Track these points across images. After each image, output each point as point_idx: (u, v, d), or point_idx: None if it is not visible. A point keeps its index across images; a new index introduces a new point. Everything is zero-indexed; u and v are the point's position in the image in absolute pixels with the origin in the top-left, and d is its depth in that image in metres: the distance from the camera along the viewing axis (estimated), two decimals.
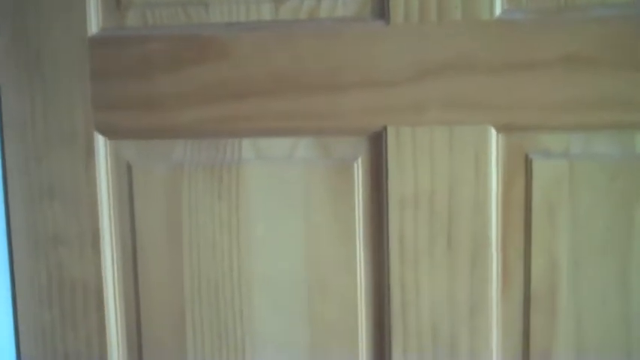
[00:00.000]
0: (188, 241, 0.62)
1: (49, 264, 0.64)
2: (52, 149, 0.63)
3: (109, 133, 0.62)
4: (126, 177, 0.63)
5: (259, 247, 0.61)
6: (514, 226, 0.57)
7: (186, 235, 0.62)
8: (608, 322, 0.56)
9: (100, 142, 0.63)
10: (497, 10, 0.55)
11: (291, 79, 0.58)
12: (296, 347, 0.61)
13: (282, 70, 0.59)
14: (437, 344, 0.58)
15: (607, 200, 0.55)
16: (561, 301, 0.57)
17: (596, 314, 0.56)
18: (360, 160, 0.59)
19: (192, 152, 0.62)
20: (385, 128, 0.58)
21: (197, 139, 0.61)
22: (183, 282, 0.63)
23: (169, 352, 0.64)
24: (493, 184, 0.57)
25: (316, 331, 0.61)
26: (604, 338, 0.56)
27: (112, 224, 0.64)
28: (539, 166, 0.56)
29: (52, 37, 0.62)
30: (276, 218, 0.61)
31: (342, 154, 0.59)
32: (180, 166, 0.62)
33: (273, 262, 0.61)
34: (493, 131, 0.56)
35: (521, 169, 0.57)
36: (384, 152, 0.58)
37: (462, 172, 0.57)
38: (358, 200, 0.59)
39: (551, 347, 0.57)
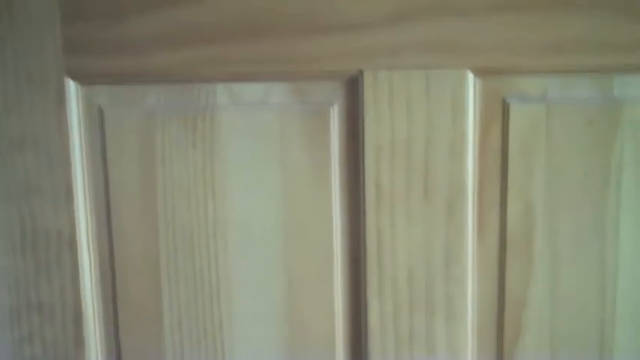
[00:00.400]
0: (162, 188, 0.61)
1: (21, 214, 0.63)
2: (22, 97, 0.61)
3: (80, 78, 0.61)
4: (98, 124, 0.62)
5: (234, 193, 0.60)
6: (490, 172, 0.57)
7: (160, 183, 0.61)
8: (583, 268, 0.56)
9: (72, 87, 0.61)
10: None
11: (266, 22, 0.57)
12: (271, 293, 0.61)
13: (257, 13, 0.57)
14: (412, 290, 0.58)
15: (584, 144, 0.55)
16: (537, 246, 0.56)
17: (572, 260, 0.56)
18: (335, 106, 0.58)
19: (165, 98, 0.60)
20: (361, 72, 0.57)
21: (170, 84, 0.60)
22: (157, 230, 0.62)
23: (144, 301, 0.63)
24: (470, 129, 0.56)
25: (292, 277, 0.60)
26: (579, 284, 0.56)
27: (84, 172, 0.62)
28: (515, 111, 0.56)
29: None
30: (252, 164, 0.60)
31: (318, 99, 0.59)
32: (153, 113, 0.61)
33: (249, 209, 0.60)
34: (470, 75, 0.55)
35: (498, 114, 0.56)
36: (360, 97, 0.57)
37: (438, 117, 0.56)
38: (334, 146, 0.59)
39: (526, 293, 0.57)
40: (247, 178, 0.60)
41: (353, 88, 0.58)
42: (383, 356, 0.59)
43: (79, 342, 0.64)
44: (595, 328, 0.56)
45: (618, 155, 0.54)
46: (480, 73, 0.55)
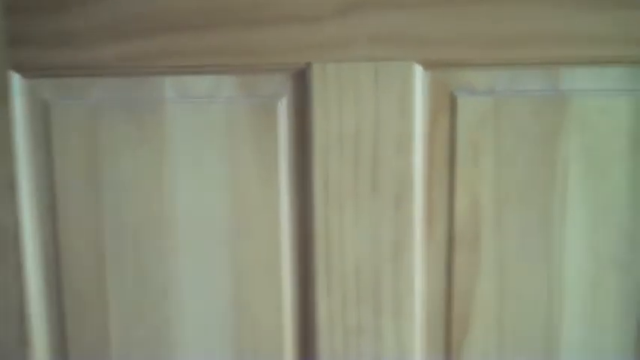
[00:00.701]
0: (109, 184, 0.60)
1: None
2: None
3: (24, 71, 0.60)
4: (43, 117, 0.61)
5: (182, 189, 0.59)
6: (438, 166, 0.56)
7: (106, 178, 0.60)
8: (530, 262, 0.56)
9: (16, 80, 0.60)
10: None
11: (213, 14, 0.56)
12: (220, 289, 0.60)
13: (205, 5, 0.56)
14: (360, 286, 0.57)
15: (531, 137, 0.55)
16: (485, 240, 0.56)
17: (519, 254, 0.56)
18: (284, 99, 0.58)
19: (112, 91, 0.59)
20: (310, 65, 0.56)
21: (117, 78, 0.59)
22: (104, 227, 0.61)
23: (91, 298, 0.62)
24: (418, 122, 0.56)
25: (239, 275, 0.59)
26: (526, 278, 0.56)
27: (29, 167, 0.61)
28: (463, 104, 0.55)
29: None
30: (200, 159, 0.59)
31: (266, 92, 0.58)
32: (99, 106, 0.59)
33: (197, 205, 0.59)
34: (418, 68, 0.55)
35: (446, 107, 0.56)
36: (308, 90, 0.56)
37: (386, 110, 0.55)
38: (282, 140, 0.58)
39: (474, 287, 0.57)
40: (195, 173, 0.59)
41: (301, 81, 0.57)
42: (331, 352, 0.58)
43: (24, 341, 0.63)
44: (542, 322, 0.56)
45: (565, 148, 0.54)
46: (428, 65, 0.55)
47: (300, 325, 0.60)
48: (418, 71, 0.55)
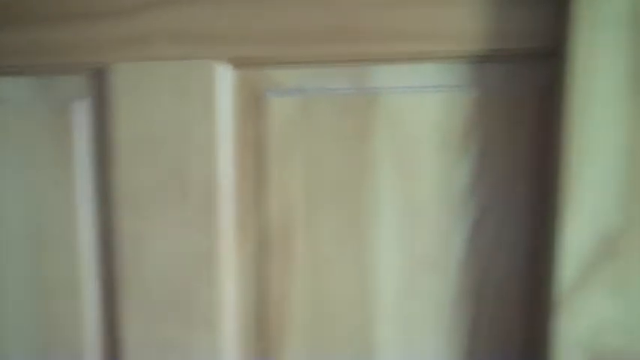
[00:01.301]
0: None
1: None
2: None
3: None
4: None
5: None
6: (248, 169, 0.54)
7: None
8: (344, 263, 0.54)
9: None
10: None
11: (6, 11, 0.52)
12: (20, 308, 0.55)
13: None
14: (169, 298, 0.54)
15: (342, 137, 0.53)
16: (297, 243, 0.54)
17: (332, 258, 0.54)
18: (81, 101, 0.54)
19: None
20: (108, 65, 0.52)
21: None
22: None
23: None
24: (226, 124, 0.53)
25: (40, 288, 0.55)
26: (340, 279, 0.54)
27: None
28: (273, 104, 0.53)
29: None
30: None
31: (64, 94, 0.54)
32: None
33: None
34: (225, 66, 0.52)
35: (255, 107, 0.53)
36: (107, 92, 0.53)
37: (191, 112, 0.52)
38: (80, 145, 0.54)
39: (289, 293, 0.54)
40: None
41: (100, 82, 0.53)
42: None
43: None
44: (358, 324, 0.54)
45: (376, 147, 0.53)
46: (234, 64, 0.53)
47: (105, 340, 0.56)
48: (224, 70, 0.52)
